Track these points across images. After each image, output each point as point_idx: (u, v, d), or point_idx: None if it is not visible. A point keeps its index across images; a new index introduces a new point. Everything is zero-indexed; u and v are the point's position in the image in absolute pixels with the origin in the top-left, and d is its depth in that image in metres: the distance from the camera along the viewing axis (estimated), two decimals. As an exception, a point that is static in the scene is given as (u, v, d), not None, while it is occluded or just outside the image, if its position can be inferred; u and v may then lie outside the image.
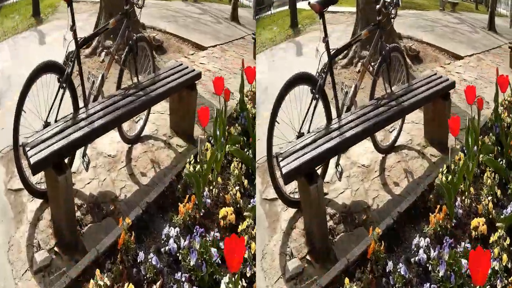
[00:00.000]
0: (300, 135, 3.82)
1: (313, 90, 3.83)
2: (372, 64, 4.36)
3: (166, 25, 7.00)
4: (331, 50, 3.93)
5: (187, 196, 3.94)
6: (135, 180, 4.25)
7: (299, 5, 7.37)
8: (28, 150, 3.44)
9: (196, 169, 4.11)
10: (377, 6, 4.26)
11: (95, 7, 6.65)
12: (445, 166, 4.33)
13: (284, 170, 3.46)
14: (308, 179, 3.51)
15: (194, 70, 4.74)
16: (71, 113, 3.88)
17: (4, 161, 4.28)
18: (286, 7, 7.53)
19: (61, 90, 3.82)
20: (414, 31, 7.38)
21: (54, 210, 3.63)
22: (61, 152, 3.48)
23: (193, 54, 6.48)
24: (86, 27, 6.22)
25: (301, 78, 3.78)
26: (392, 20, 4.44)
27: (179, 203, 3.88)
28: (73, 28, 3.99)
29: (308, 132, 3.83)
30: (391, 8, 4.29)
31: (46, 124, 3.76)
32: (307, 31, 7.39)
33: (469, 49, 7.26)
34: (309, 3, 3.80)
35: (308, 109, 3.85)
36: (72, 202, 3.64)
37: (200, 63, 6.18)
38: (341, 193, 4.21)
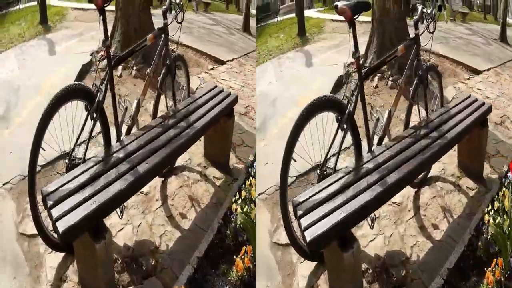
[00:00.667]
0: (322, 174, 3.09)
1: (340, 118, 3.12)
2: (399, 82, 3.69)
3: (181, 37, 6.56)
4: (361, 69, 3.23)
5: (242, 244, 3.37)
6: (174, 224, 3.59)
7: (307, 13, 6.74)
8: (52, 207, 2.61)
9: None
10: (414, 18, 3.60)
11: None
12: (489, 204, 3.69)
13: (308, 236, 2.64)
14: (342, 245, 2.74)
15: (230, 94, 4.18)
16: (102, 152, 3.14)
17: (14, 194, 3.52)
18: (293, 15, 6.99)
19: (91, 122, 3.11)
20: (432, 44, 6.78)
21: (85, 274, 2.83)
22: (98, 213, 2.64)
23: (212, 69, 6.02)
24: (98, 37, 5.58)
25: (324, 104, 3.04)
26: (431, 34, 3.75)
27: (232, 254, 3.31)
28: (106, 44, 3.25)
29: (334, 171, 3.10)
30: (430, 20, 3.64)
31: (71, 164, 3.00)
32: (315, 40, 6.84)
33: (485, 62, 6.74)
34: (335, 6, 3.09)
35: (333, 141, 3.14)
36: (112, 269, 2.86)
37: (222, 79, 5.73)
38: (372, 240, 3.52)
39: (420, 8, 3.55)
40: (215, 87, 4.24)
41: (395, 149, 3.29)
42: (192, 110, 3.80)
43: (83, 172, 2.85)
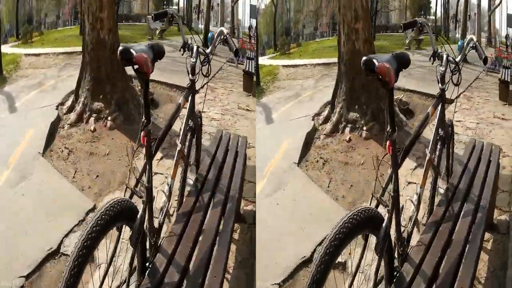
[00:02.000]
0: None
1: (371, 235, 2.29)
2: (428, 153, 2.90)
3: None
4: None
5: None
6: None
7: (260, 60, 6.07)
8: None
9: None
10: (441, 69, 2.94)
11: (59, 59, 5.96)
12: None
13: None
14: None
15: (239, 136, 3.85)
16: None
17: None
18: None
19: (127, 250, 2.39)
20: (395, 79, 6.30)
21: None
22: None
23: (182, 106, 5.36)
24: (61, 86, 5.13)
25: (365, 223, 2.15)
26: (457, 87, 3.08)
27: None
28: (148, 128, 2.42)
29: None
30: (456, 70, 2.98)
31: None
32: (271, 90, 6.18)
33: (452, 87, 6.36)
34: (365, 63, 2.15)
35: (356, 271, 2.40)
36: None
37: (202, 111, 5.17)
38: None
39: (445, 56, 2.92)
40: (222, 131, 3.84)
41: (437, 252, 2.55)
42: (216, 172, 3.22)
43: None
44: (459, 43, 3.06)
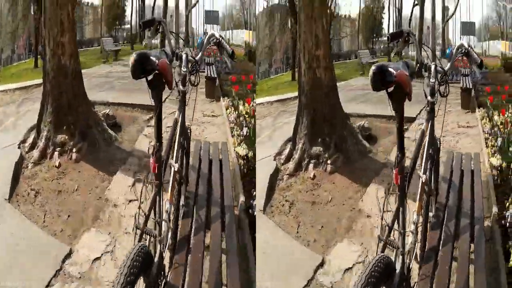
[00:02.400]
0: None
1: None
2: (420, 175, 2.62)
3: (104, 95, 5.88)
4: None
5: None
6: None
7: None
8: None
9: None
10: (431, 81, 2.69)
11: (16, 95, 5.76)
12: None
13: None
14: None
15: (219, 144, 3.86)
16: None
17: None
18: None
19: None
20: (354, 106, 6.13)
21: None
22: None
23: (149, 119, 5.30)
24: (21, 122, 4.84)
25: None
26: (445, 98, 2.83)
27: None
28: (159, 153, 2.22)
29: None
30: (444, 81, 2.74)
31: None
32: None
33: (414, 106, 6.21)
34: (377, 74, 1.94)
35: None
36: None
37: (166, 131, 4.95)
38: None
39: (433, 67, 2.68)
40: (201, 144, 3.75)
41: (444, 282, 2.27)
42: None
43: None
44: (448, 51, 2.83)
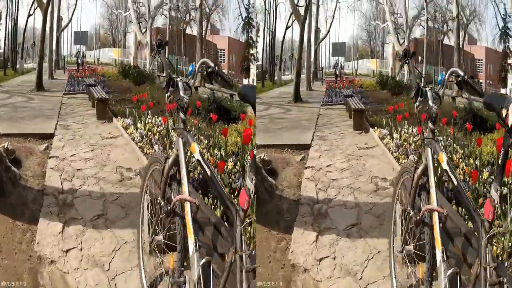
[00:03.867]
0: None
1: None
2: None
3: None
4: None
5: None
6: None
7: None
8: None
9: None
10: (434, 108, 2.71)
11: None
12: None
13: None
14: None
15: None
16: None
17: None
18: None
19: None
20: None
21: None
22: None
23: (47, 149, 4.94)
24: None
25: None
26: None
27: None
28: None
29: None
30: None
31: None
32: None
33: (305, 131, 5.82)
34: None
35: None
36: None
37: (72, 160, 4.80)
38: None
39: (430, 92, 2.62)
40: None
41: None
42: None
43: None
44: (440, 76, 2.63)
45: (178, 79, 2.72)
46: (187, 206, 2.50)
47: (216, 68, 2.73)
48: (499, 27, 5.56)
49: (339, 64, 6.24)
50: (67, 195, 4.18)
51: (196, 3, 5.79)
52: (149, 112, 5.54)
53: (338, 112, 5.95)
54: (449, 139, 5.11)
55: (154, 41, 2.77)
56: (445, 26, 6.11)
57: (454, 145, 5.05)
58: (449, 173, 2.51)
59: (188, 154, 2.89)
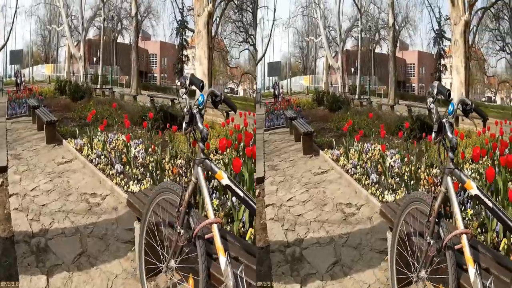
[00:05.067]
0: None
1: None
2: None
3: None
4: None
5: None
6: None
7: None
8: None
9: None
10: (454, 140, 2.63)
11: None
12: None
13: None
14: None
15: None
16: None
17: None
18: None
19: None
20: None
21: None
22: None
23: (1, 185, 4.67)
24: None
25: None
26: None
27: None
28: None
29: None
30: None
31: None
32: None
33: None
34: None
35: None
36: None
37: (34, 196, 4.54)
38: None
39: (447, 124, 2.65)
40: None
41: None
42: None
43: None
44: (451, 106, 2.50)
45: (195, 111, 2.76)
46: (215, 228, 2.55)
47: (223, 96, 2.81)
48: (434, 31, 5.46)
49: (278, 84, 5.91)
50: (39, 238, 3.80)
51: (132, 12, 5.42)
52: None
53: (283, 136, 5.61)
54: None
55: (180, 79, 2.56)
56: (377, 35, 5.95)
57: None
58: (482, 197, 2.45)
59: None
